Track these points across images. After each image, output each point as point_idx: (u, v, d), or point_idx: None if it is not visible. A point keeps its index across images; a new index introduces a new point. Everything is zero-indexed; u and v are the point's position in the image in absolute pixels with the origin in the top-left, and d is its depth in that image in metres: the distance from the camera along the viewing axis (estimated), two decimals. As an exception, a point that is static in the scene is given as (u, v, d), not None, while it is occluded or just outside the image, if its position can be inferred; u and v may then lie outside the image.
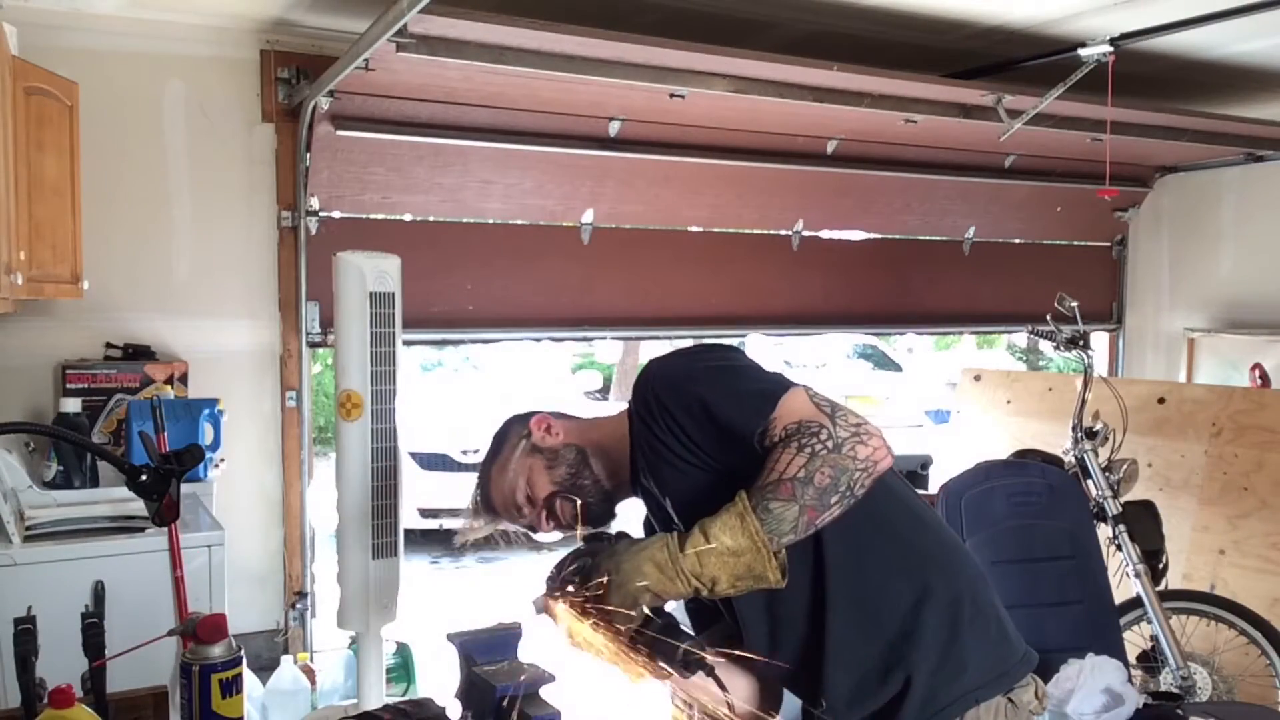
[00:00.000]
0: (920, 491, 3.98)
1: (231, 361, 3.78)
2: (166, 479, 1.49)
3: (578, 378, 10.12)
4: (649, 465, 1.53)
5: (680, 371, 1.51)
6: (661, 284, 4.58)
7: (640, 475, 1.57)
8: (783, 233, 4.86)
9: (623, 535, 1.43)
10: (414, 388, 8.06)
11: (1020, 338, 11.66)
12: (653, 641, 1.32)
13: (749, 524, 1.27)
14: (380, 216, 4.03)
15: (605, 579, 1.32)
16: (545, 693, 1.34)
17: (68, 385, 3.37)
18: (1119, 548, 3.18)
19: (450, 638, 1.39)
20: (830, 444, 1.30)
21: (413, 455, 6.97)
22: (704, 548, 1.28)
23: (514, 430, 1.66)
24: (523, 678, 1.32)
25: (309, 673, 3.20)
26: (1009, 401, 4.77)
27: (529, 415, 1.67)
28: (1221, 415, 4.00)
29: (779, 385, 1.42)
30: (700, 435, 1.44)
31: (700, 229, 4.68)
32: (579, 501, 1.57)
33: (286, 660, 3.15)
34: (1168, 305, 5.60)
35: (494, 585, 6.52)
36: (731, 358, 1.53)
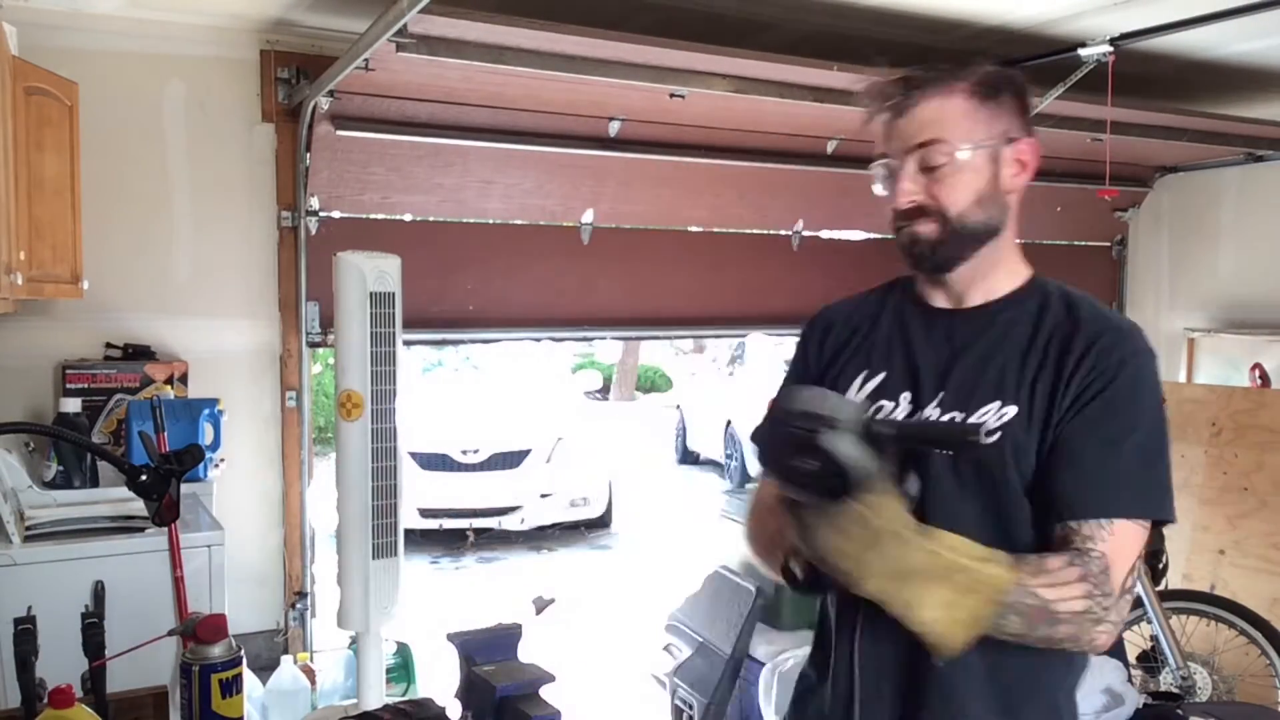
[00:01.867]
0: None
1: (231, 361, 3.78)
2: (166, 479, 1.49)
3: (578, 378, 10.12)
4: (996, 353, 1.25)
5: (1155, 380, 1.23)
6: (661, 284, 4.58)
7: (971, 320, 1.29)
8: (783, 233, 4.86)
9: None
10: (415, 388, 8.06)
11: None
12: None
13: (981, 612, 1.09)
14: (380, 216, 4.03)
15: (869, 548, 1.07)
16: (545, 693, 1.34)
17: (68, 385, 3.38)
18: (1119, 548, 3.18)
19: (450, 637, 1.39)
20: (1099, 614, 1.13)
21: (413, 455, 6.97)
22: (930, 596, 1.08)
23: (1006, 108, 1.27)
24: (523, 678, 1.32)
25: (309, 673, 3.20)
26: (1009, 401, 4.77)
27: (1022, 111, 1.29)
28: (1221, 415, 4.01)
29: (1164, 498, 1.20)
30: (1078, 415, 1.18)
31: (700, 229, 4.68)
32: (933, 238, 1.29)
33: (286, 660, 3.15)
34: (1168, 305, 5.60)
35: (494, 585, 6.53)
36: (1165, 420, 1.23)
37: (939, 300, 1.36)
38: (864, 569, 1.09)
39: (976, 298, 1.31)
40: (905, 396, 1.29)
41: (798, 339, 1.48)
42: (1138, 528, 1.17)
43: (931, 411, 1.26)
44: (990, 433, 1.19)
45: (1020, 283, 1.31)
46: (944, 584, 1.08)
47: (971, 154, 1.24)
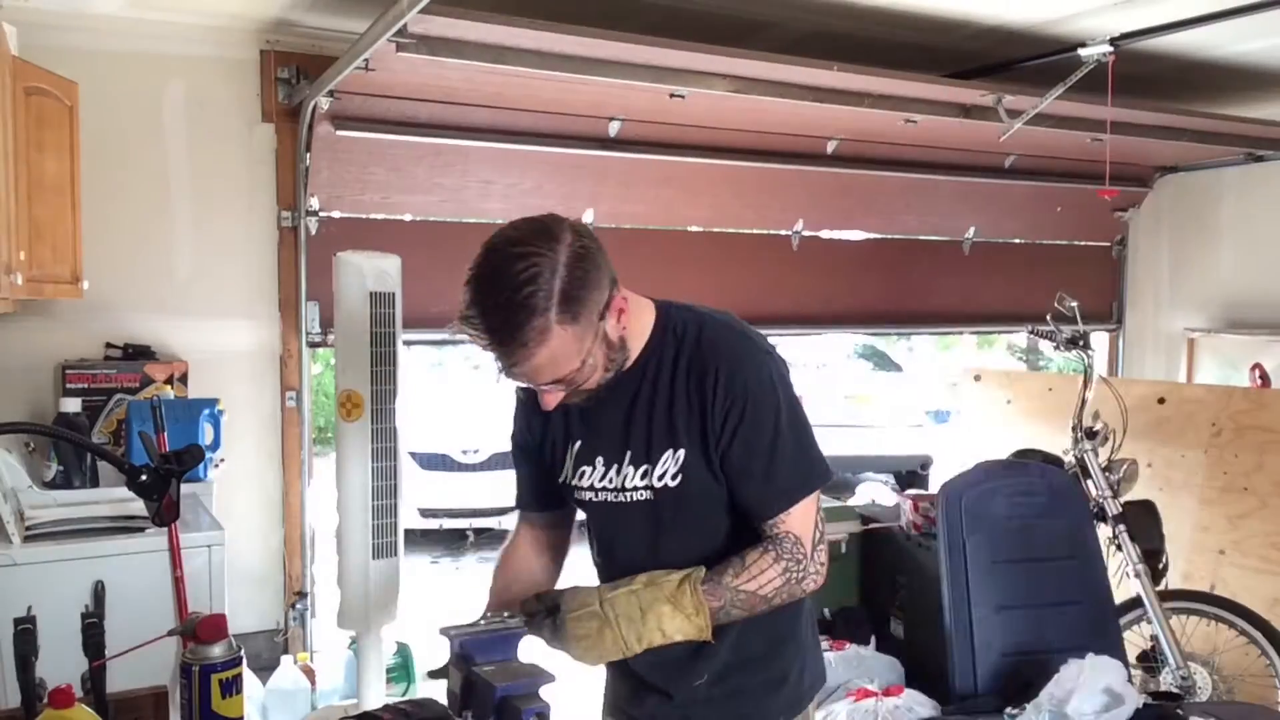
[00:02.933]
0: (920, 491, 4.00)
1: (231, 361, 3.78)
2: (166, 479, 1.49)
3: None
4: (655, 406, 1.45)
5: (775, 378, 1.45)
6: (661, 284, 4.50)
7: (626, 382, 1.46)
8: (783, 233, 4.85)
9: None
10: (418, 388, 8.06)
11: (1020, 338, 11.66)
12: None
13: (701, 620, 1.38)
14: (380, 216, 4.03)
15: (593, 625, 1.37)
16: (545, 693, 1.34)
17: (68, 385, 3.37)
18: (1119, 548, 3.18)
19: (444, 631, 1.39)
20: (799, 575, 1.43)
21: (413, 455, 6.97)
22: (657, 633, 1.38)
23: (592, 295, 1.34)
24: (523, 678, 1.32)
25: (309, 673, 3.21)
26: (1009, 401, 4.77)
27: (603, 271, 1.36)
28: (1221, 415, 4.00)
29: (818, 471, 1.47)
30: (740, 439, 1.42)
31: (700, 229, 4.68)
32: (592, 399, 1.44)
33: (286, 660, 3.15)
34: (1168, 305, 5.60)
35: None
36: (797, 402, 1.48)
37: None
38: (614, 646, 1.38)
39: (626, 367, 1.46)
40: (599, 460, 1.51)
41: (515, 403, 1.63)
42: (808, 500, 1.45)
43: (627, 469, 1.48)
44: (675, 476, 1.45)
45: (650, 330, 1.48)
46: (665, 606, 1.37)
47: (590, 359, 1.37)
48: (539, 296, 1.29)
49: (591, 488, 1.52)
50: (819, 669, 1.67)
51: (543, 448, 1.58)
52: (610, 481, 1.50)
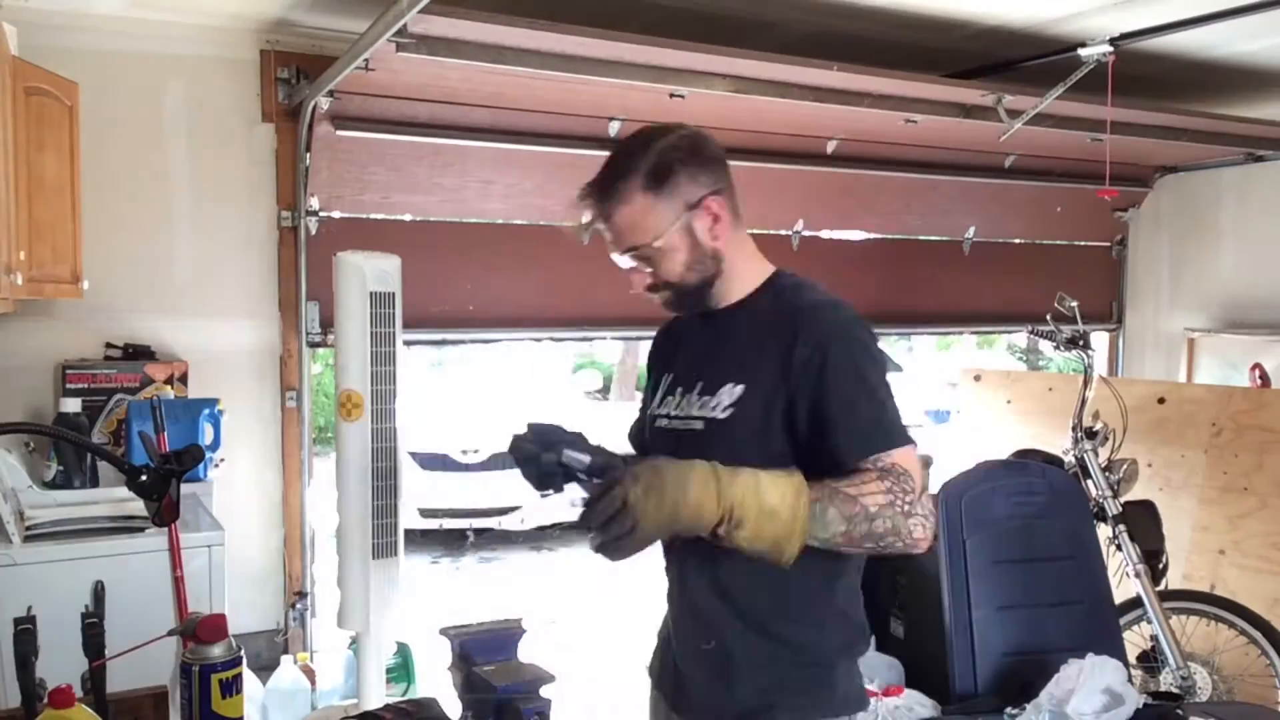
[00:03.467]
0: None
1: (231, 361, 3.78)
2: (166, 479, 1.49)
3: (578, 378, 10.11)
4: (735, 343, 1.50)
5: (865, 339, 1.46)
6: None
7: (723, 317, 1.53)
8: (783, 233, 4.85)
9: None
10: (420, 387, 8.06)
11: (1020, 338, 11.66)
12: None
13: (799, 504, 1.28)
14: (380, 216, 4.03)
15: (640, 488, 1.25)
16: (545, 693, 1.34)
17: (68, 385, 3.37)
18: (1119, 548, 3.18)
19: (444, 631, 1.40)
20: (908, 509, 1.33)
21: (413, 455, 6.97)
22: (751, 491, 1.27)
23: (683, 178, 1.46)
24: (523, 678, 1.32)
25: (309, 673, 3.20)
26: (1009, 401, 4.77)
27: (705, 168, 1.49)
28: (1221, 415, 4.00)
29: (905, 431, 1.43)
30: (817, 389, 1.39)
31: (700, 229, 4.67)
32: (670, 300, 1.53)
33: (286, 660, 3.15)
34: (1168, 305, 5.60)
35: (494, 585, 6.53)
36: (882, 359, 1.50)
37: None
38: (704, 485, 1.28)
39: (724, 304, 1.56)
40: (679, 389, 1.57)
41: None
42: (906, 450, 1.39)
43: (692, 397, 1.53)
44: (725, 409, 1.46)
45: (760, 283, 1.55)
46: (766, 498, 1.28)
47: (665, 240, 1.47)
48: (636, 159, 1.47)
49: (666, 415, 1.58)
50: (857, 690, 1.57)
51: (651, 388, 1.67)
52: (679, 409, 1.55)
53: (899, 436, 1.39)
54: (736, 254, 1.53)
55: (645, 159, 1.46)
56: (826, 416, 1.38)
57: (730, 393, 1.46)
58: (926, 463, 4.64)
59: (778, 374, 1.42)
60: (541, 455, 1.39)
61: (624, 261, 1.52)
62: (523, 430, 1.44)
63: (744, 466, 1.30)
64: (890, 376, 1.47)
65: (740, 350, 1.49)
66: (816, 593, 1.47)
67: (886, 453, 1.36)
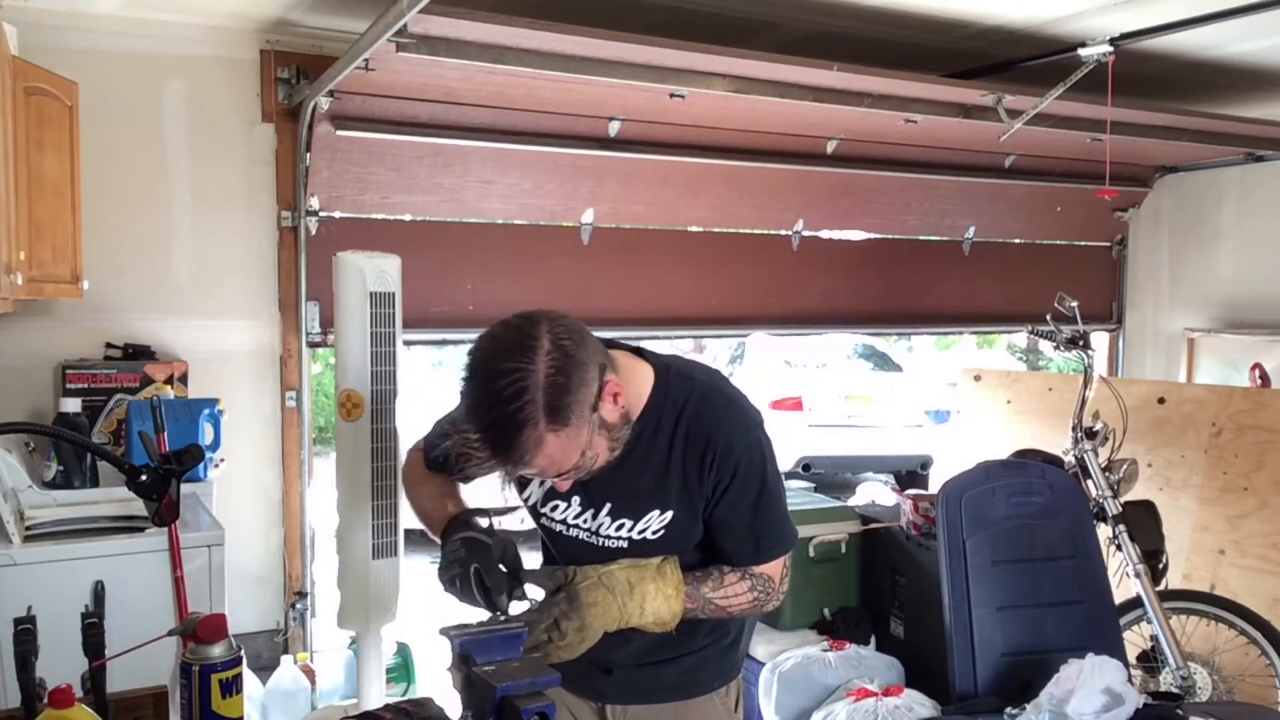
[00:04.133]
0: (920, 491, 3.99)
1: (231, 361, 3.78)
2: (166, 479, 1.49)
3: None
4: (648, 472, 1.52)
5: (766, 454, 1.56)
6: (661, 284, 4.58)
7: (631, 450, 1.50)
8: (783, 233, 4.86)
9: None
10: (422, 387, 8.04)
11: (1020, 338, 11.66)
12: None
13: (676, 616, 1.52)
14: (380, 216, 4.03)
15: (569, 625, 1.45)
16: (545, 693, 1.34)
17: (68, 385, 3.37)
18: (1119, 548, 3.18)
19: (444, 631, 1.39)
20: (765, 600, 1.59)
21: (413, 455, 6.95)
22: (639, 612, 1.50)
23: (578, 395, 1.36)
24: (523, 678, 1.32)
25: (309, 673, 3.20)
26: (1009, 401, 4.77)
27: (587, 367, 1.38)
28: (1221, 415, 4.00)
29: (792, 536, 1.62)
30: (726, 504, 1.53)
31: (700, 229, 4.68)
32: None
33: (286, 660, 3.15)
34: (1168, 305, 5.60)
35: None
36: (778, 475, 1.61)
37: None
38: (616, 615, 1.49)
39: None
40: (576, 500, 1.57)
41: None
42: (781, 559, 1.61)
43: (604, 519, 1.56)
44: (655, 531, 1.55)
45: (647, 395, 1.53)
46: (650, 584, 1.50)
47: (589, 450, 1.41)
48: (525, 411, 1.33)
49: (564, 522, 1.60)
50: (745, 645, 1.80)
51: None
52: (584, 523, 1.59)
53: (779, 548, 1.59)
54: (629, 392, 1.48)
55: (535, 402, 1.33)
56: (728, 526, 1.55)
57: (660, 519, 1.54)
58: (925, 464, 4.63)
59: (692, 498, 1.52)
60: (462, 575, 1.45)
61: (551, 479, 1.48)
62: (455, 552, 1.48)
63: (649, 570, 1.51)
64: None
65: (655, 477, 1.52)
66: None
67: (767, 563, 1.58)
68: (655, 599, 1.50)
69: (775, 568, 1.60)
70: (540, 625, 1.44)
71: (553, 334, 1.37)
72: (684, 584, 1.52)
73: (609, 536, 1.57)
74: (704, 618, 1.57)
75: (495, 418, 1.35)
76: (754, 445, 1.55)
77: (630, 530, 1.55)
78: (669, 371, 1.55)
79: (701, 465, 1.51)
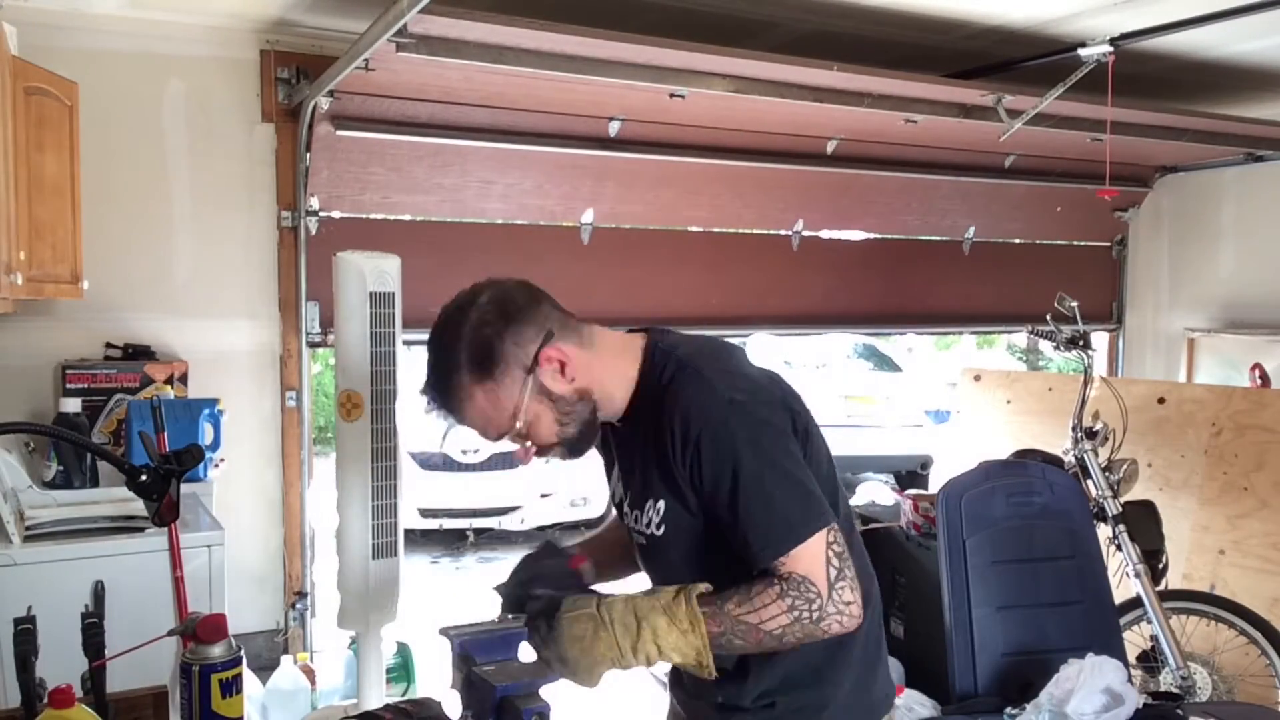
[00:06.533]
0: (920, 491, 3.99)
1: (231, 361, 3.78)
2: (166, 479, 1.49)
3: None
4: (642, 457, 1.45)
5: (737, 426, 1.36)
6: (661, 284, 4.58)
7: (624, 430, 1.48)
8: (783, 233, 4.86)
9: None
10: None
11: (1020, 338, 11.65)
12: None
13: (702, 653, 1.32)
14: (380, 216, 4.03)
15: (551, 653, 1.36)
16: (545, 693, 1.34)
17: (68, 385, 3.37)
18: (1119, 548, 3.18)
19: (443, 631, 1.39)
20: (815, 616, 1.32)
21: (413, 455, 6.96)
22: (651, 645, 1.34)
23: (507, 351, 1.37)
24: (523, 678, 1.32)
25: (309, 673, 3.20)
26: (1009, 401, 4.77)
27: (523, 328, 1.38)
28: (1221, 415, 4.00)
29: (810, 517, 1.35)
30: (708, 494, 1.37)
31: (700, 229, 4.68)
32: (562, 455, 1.46)
33: (286, 660, 3.15)
34: (1168, 305, 5.60)
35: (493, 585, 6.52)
36: (785, 444, 1.39)
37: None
38: (607, 652, 1.35)
39: (618, 417, 1.49)
40: (627, 494, 1.53)
41: None
42: (809, 542, 1.34)
43: (632, 511, 1.51)
44: (658, 525, 1.45)
45: (637, 380, 1.46)
46: (660, 618, 1.32)
47: (524, 413, 1.39)
48: (453, 353, 1.38)
49: (624, 519, 1.56)
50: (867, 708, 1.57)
51: (606, 469, 1.63)
52: (631, 520, 1.53)
53: (800, 526, 1.34)
54: (603, 373, 1.44)
55: (461, 349, 1.36)
56: (727, 522, 1.37)
57: (655, 509, 1.45)
58: (925, 463, 4.64)
59: (675, 483, 1.40)
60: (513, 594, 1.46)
61: (504, 444, 1.44)
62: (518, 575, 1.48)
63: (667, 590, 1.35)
64: (787, 453, 1.38)
65: (647, 465, 1.44)
66: (828, 656, 1.46)
67: (790, 554, 1.33)
68: (668, 634, 1.32)
69: (811, 565, 1.33)
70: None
71: (494, 294, 1.42)
72: (707, 607, 1.32)
73: (639, 532, 1.50)
74: (745, 648, 1.34)
75: (431, 364, 1.41)
76: (718, 422, 1.35)
77: (642, 523, 1.47)
78: (657, 346, 1.47)
79: (671, 447, 1.38)
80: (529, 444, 1.43)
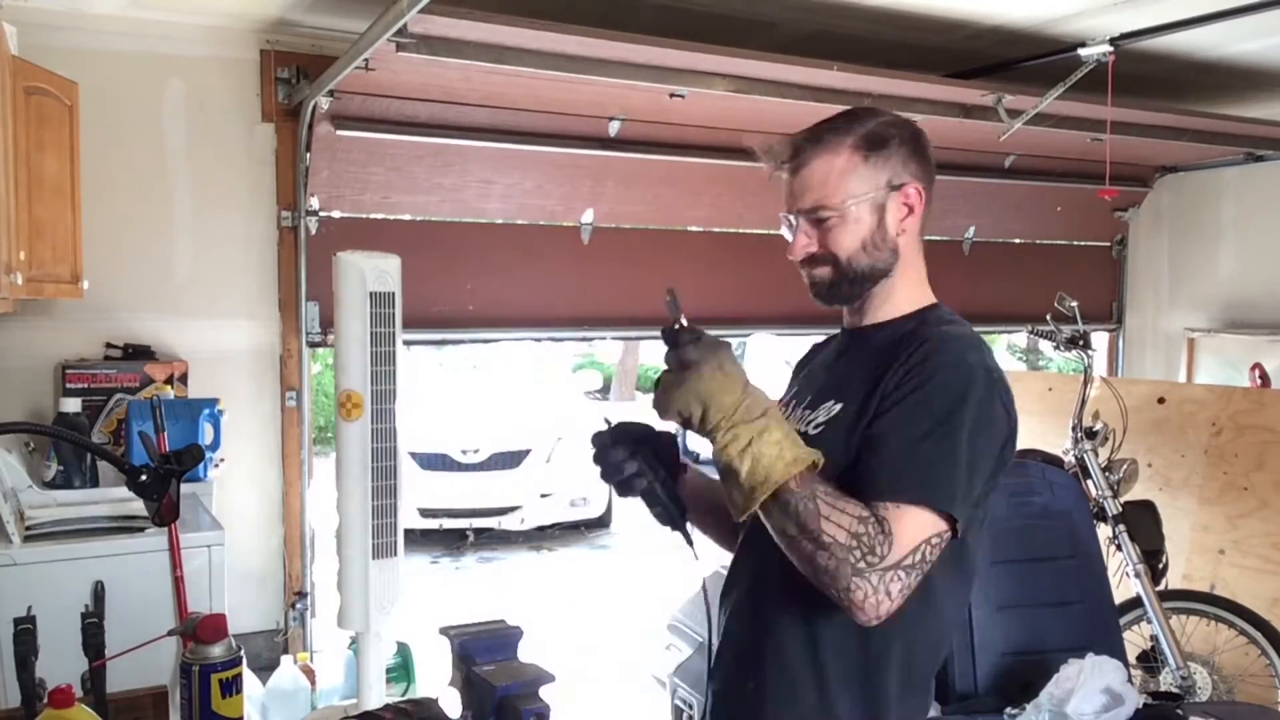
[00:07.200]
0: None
1: (231, 361, 3.79)
2: (166, 479, 1.49)
3: (578, 378, 10.11)
4: (855, 361, 1.43)
5: (970, 388, 1.29)
6: (661, 284, 4.57)
7: (862, 337, 1.45)
8: (783, 233, 4.85)
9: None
10: (429, 387, 8.05)
11: (1020, 338, 11.66)
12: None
13: (769, 476, 1.22)
14: (380, 216, 4.03)
15: (694, 368, 1.25)
16: (545, 693, 1.34)
17: (68, 385, 3.38)
18: (1119, 548, 3.18)
19: (443, 631, 1.39)
20: (861, 566, 1.21)
21: (413, 455, 6.97)
22: (766, 435, 1.23)
23: (893, 156, 1.39)
24: (523, 678, 1.32)
25: (309, 673, 3.20)
26: (1009, 401, 4.77)
27: (917, 159, 1.41)
28: (1221, 415, 4.00)
29: (942, 495, 1.25)
30: (888, 406, 1.30)
31: (700, 229, 4.68)
32: (827, 280, 1.42)
33: (286, 660, 3.15)
34: (1168, 305, 5.60)
35: (494, 585, 6.53)
36: (989, 439, 1.30)
37: (847, 320, 1.52)
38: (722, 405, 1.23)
39: (869, 321, 1.46)
40: (794, 404, 1.50)
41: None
42: (923, 514, 1.24)
43: (805, 410, 1.45)
44: (818, 425, 1.39)
45: (911, 310, 1.45)
46: (779, 429, 1.24)
47: (855, 208, 1.37)
48: (855, 122, 1.39)
49: (787, 415, 1.49)
50: None
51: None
52: (794, 417, 1.46)
53: (930, 495, 1.24)
54: (907, 269, 1.45)
55: (865, 124, 1.39)
56: (882, 435, 1.28)
57: (828, 410, 1.39)
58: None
59: (872, 392, 1.33)
60: (610, 450, 1.38)
61: (799, 222, 1.41)
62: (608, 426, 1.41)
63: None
64: (990, 444, 1.30)
65: (855, 368, 1.41)
66: (883, 665, 1.34)
67: (900, 506, 1.23)
68: (772, 443, 1.22)
69: (906, 529, 1.22)
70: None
71: (920, 130, 1.44)
72: (810, 471, 1.23)
73: (801, 433, 1.37)
74: (794, 527, 1.22)
75: (827, 119, 1.42)
76: (961, 365, 1.30)
77: (804, 421, 1.42)
78: (940, 306, 1.48)
79: (893, 364, 1.33)
80: (814, 240, 1.40)
